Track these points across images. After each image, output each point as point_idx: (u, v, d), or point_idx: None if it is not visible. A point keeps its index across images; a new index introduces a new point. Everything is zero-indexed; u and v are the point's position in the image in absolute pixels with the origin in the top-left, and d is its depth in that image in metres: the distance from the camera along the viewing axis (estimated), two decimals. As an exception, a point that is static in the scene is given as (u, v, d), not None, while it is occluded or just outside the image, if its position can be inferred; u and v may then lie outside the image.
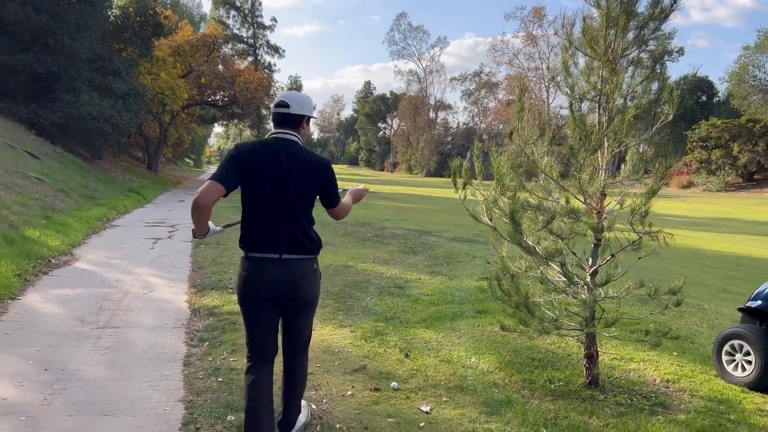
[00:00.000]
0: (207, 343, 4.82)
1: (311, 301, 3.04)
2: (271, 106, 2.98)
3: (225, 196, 2.77)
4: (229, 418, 3.40)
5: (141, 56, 25.03)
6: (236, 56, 41.71)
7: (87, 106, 19.40)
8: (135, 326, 5.20)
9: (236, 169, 2.80)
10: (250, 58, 49.93)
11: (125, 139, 24.96)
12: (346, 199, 3.34)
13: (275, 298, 2.91)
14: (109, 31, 22.25)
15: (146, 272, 7.57)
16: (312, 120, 3.09)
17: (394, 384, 4.01)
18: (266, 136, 2.99)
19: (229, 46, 43.77)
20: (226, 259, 8.49)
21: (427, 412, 3.61)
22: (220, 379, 4.00)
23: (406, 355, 4.62)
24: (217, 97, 35.99)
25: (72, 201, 12.87)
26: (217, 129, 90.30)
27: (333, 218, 3.28)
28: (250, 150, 2.86)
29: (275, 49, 54.83)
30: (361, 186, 3.56)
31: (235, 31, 51.69)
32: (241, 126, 60.42)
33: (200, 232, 2.93)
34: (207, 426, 3.31)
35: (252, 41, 53.93)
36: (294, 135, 2.94)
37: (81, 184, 15.59)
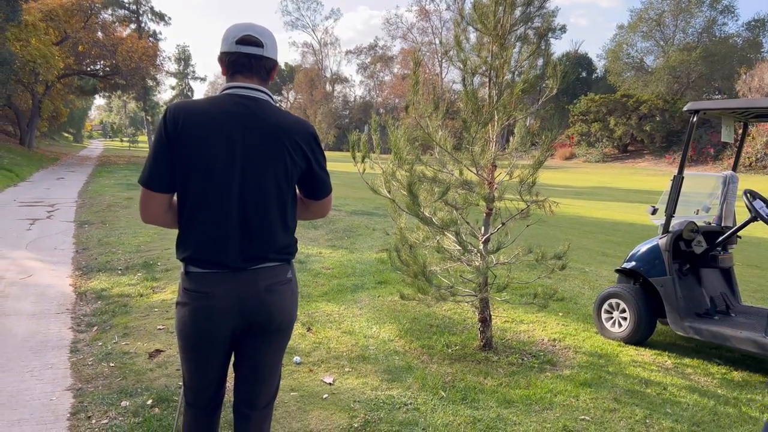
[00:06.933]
0: (96, 327, 4.57)
1: (282, 325, 2.09)
2: (231, 40, 1.96)
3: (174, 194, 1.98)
4: (123, 403, 3.25)
5: (7, 20, 22.64)
6: (117, 23, 38.89)
7: (-56, 74, 17.42)
8: (13, 314, 4.81)
9: (166, 156, 1.89)
10: (133, 26, 46.76)
11: (-8, 111, 22.73)
12: None
13: (234, 327, 2.02)
14: (-34, -10, 20.00)
15: (23, 255, 7.01)
16: None
17: (296, 358, 4.01)
18: (219, 92, 2.02)
19: (109, 11, 40.72)
20: (113, 239, 8.04)
21: (330, 384, 3.65)
22: (112, 365, 3.82)
23: (309, 329, 4.62)
24: (97, 67, 33.54)
25: (-69, 180, 11.61)
26: (99, 101, 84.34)
27: (306, 218, 2.26)
28: (190, 117, 1.90)
29: (160, 16, 51.67)
30: None
31: (116, -5, 48.07)
32: (125, 98, 56.83)
33: None
34: (99, 413, 3.15)
35: (135, 7, 50.44)
36: (264, 92, 2.00)
37: (-59, 161, 14.07)
